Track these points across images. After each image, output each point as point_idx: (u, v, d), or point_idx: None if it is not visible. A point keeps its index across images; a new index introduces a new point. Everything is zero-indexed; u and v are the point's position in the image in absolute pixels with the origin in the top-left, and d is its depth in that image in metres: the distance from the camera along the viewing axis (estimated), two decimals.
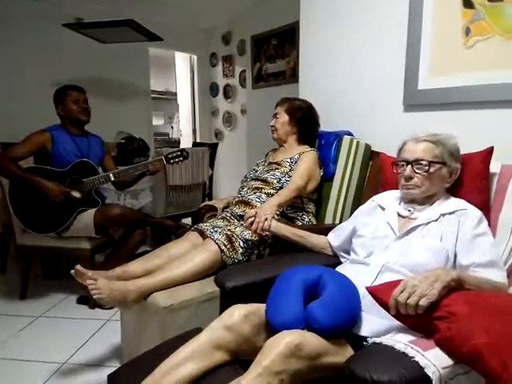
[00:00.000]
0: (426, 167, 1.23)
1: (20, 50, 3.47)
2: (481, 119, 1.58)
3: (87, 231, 2.20)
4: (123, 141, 3.15)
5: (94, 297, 1.41)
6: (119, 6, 3.65)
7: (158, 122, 6.03)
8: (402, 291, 0.92)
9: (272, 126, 2.00)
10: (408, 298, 0.90)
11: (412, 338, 0.92)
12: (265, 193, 1.82)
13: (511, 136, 1.47)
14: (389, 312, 0.96)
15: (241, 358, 1.06)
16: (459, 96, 1.63)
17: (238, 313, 1.06)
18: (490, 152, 1.33)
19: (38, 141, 2.17)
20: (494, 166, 1.33)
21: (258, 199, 1.81)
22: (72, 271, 1.48)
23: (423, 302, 0.89)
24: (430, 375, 0.78)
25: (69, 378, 1.66)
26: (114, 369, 1.29)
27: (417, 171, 1.24)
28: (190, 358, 1.02)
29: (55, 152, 2.20)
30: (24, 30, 3.47)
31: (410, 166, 1.25)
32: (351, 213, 1.56)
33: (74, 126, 2.29)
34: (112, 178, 2.23)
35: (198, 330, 1.13)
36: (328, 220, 1.90)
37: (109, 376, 1.21)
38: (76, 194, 2.20)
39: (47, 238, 2.23)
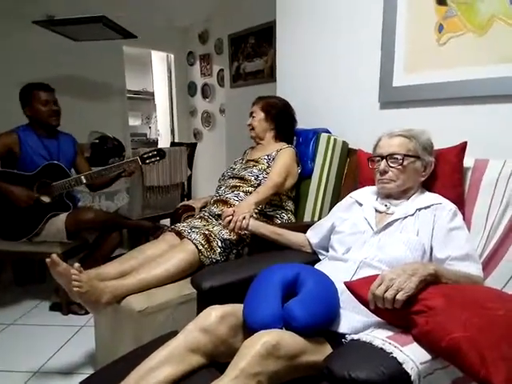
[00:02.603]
0: (400, 160, 1.23)
1: None
2: (455, 115, 1.60)
3: (59, 236, 2.11)
4: (97, 141, 3.06)
5: (74, 289, 1.33)
6: (92, 4, 3.55)
7: (135, 122, 5.90)
8: (379, 285, 0.91)
9: (249, 125, 1.99)
10: (385, 292, 0.90)
11: (390, 333, 0.91)
12: (243, 191, 1.80)
13: (484, 131, 1.49)
14: (366, 307, 0.95)
15: (218, 360, 1.03)
16: (433, 92, 1.64)
17: (214, 314, 1.03)
18: (463, 147, 1.34)
19: (5, 143, 2.07)
20: (468, 161, 1.35)
21: (235, 198, 1.78)
22: (48, 260, 1.41)
23: (400, 296, 0.88)
24: (409, 371, 0.78)
25: None
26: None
27: (391, 165, 1.25)
28: (165, 362, 0.98)
29: (23, 154, 2.10)
30: None
31: (384, 160, 1.26)
32: (330, 210, 1.56)
33: (42, 128, 2.18)
34: (84, 181, 2.12)
35: (173, 334, 1.09)
36: (307, 217, 1.89)
37: (81, 383, 1.15)
38: (45, 199, 2.11)
39: (17, 243, 2.12)
